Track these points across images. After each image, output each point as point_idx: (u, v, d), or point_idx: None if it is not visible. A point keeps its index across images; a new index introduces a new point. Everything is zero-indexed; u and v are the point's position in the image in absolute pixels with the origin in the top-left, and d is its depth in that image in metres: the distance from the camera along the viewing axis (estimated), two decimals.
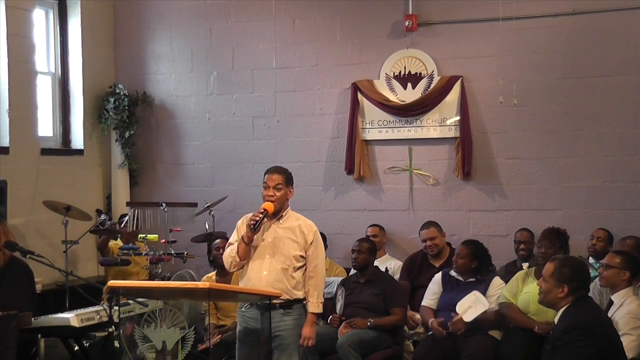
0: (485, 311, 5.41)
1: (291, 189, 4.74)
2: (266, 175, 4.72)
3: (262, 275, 4.59)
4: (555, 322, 4.01)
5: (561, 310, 3.95)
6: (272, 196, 4.63)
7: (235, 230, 4.78)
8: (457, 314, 5.42)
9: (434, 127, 7.20)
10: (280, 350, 4.59)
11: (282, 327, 4.59)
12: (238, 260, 4.65)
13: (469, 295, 5.48)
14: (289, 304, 4.60)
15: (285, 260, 4.61)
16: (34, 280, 5.53)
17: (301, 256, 4.66)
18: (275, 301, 4.53)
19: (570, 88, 6.83)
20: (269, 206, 4.59)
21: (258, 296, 4.48)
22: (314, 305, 4.68)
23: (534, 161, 6.95)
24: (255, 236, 4.61)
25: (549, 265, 4.04)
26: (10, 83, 6.89)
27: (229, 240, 4.81)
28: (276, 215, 4.68)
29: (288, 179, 4.73)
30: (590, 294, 4.28)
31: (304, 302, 4.70)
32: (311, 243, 4.70)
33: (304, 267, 4.70)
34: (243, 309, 4.73)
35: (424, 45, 7.21)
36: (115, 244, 7.06)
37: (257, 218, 4.53)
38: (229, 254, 4.68)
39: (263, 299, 4.46)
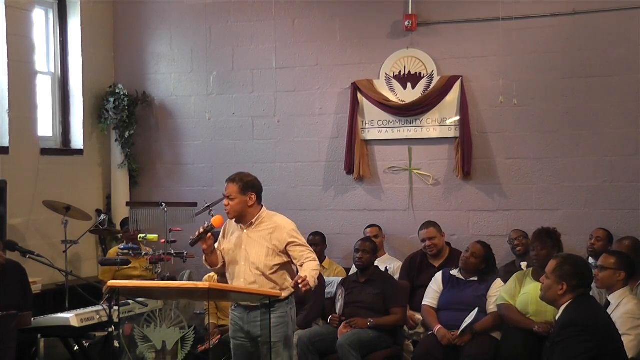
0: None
1: (251, 196, 4.60)
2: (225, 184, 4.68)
3: (240, 282, 4.62)
4: (556, 319, 4.02)
5: (562, 308, 3.96)
6: (226, 206, 4.61)
7: (221, 233, 4.81)
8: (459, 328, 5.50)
9: (434, 127, 7.20)
10: (267, 349, 4.58)
11: (265, 326, 4.57)
12: (209, 267, 4.77)
13: (472, 314, 5.49)
14: (270, 304, 4.55)
15: (259, 267, 4.59)
16: (28, 280, 5.53)
17: (274, 265, 4.60)
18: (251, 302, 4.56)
19: (570, 88, 6.83)
20: (217, 221, 4.58)
21: (258, 296, 4.48)
22: (306, 270, 4.47)
23: (533, 161, 6.95)
24: (228, 243, 4.68)
25: (552, 262, 4.07)
26: (10, 83, 6.88)
27: (216, 246, 4.80)
28: (243, 221, 4.65)
29: (244, 188, 4.60)
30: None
31: (287, 301, 4.66)
32: (289, 244, 4.60)
33: (284, 266, 4.65)
34: (232, 307, 4.79)
35: (424, 45, 7.21)
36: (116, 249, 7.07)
37: (197, 233, 4.54)
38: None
39: (264, 298, 4.47)
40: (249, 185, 4.62)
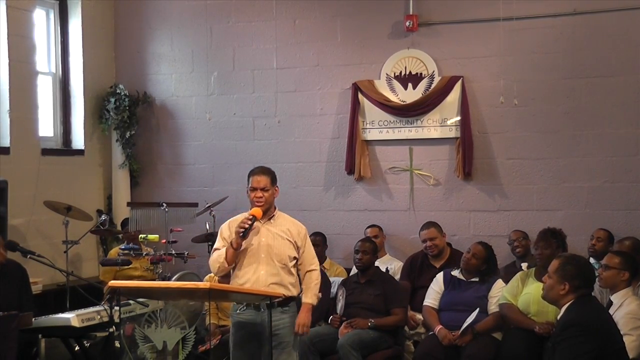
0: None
1: (276, 188, 4.77)
2: (251, 177, 4.71)
3: (260, 275, 4.60)
4: (558, 319, 4.02)
5: (563, 308, 3.96)
6: (260, 198, 4.64)
7: (219, 235, 4.78)
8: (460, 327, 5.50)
9: (435, 128, 7.20)
10: (280, 349, 4.59)
11: (280, 325, 4.60)
12: (226, 265, 4.67)
13: (472, 314, 5.49)
14: (285, 302, 4.59)
15: (282, 259, 4.64)
16: (29, 281, 5.53)
17: (295, 257, 4.71)
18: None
19: (571, 88, 6.83)
20: (257, 212, 4.62)
21: (259, 296, 4.48)
22: (310, 297, 4.73)
23: (534, 161, 6.95)
24: (244, 241, 4.63)
25: (555, 261, 4.07)
26: (11, 83, 6.88)
27: (215, 246, 4.79)
28: (265, 215, 4.69)
29: (273, 179, 4.75)
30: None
31: (298, 298, 4.71)
32: (301, 247, 4.75)
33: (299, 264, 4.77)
34: (238, 311, 4.74)
35: (425, 45, 7.21)
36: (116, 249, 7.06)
37: (247, 225, 4.53)
38: (216, 260, 4.67)
39: (265, 298, 4.46)
40: (275, 178, 4.79)
